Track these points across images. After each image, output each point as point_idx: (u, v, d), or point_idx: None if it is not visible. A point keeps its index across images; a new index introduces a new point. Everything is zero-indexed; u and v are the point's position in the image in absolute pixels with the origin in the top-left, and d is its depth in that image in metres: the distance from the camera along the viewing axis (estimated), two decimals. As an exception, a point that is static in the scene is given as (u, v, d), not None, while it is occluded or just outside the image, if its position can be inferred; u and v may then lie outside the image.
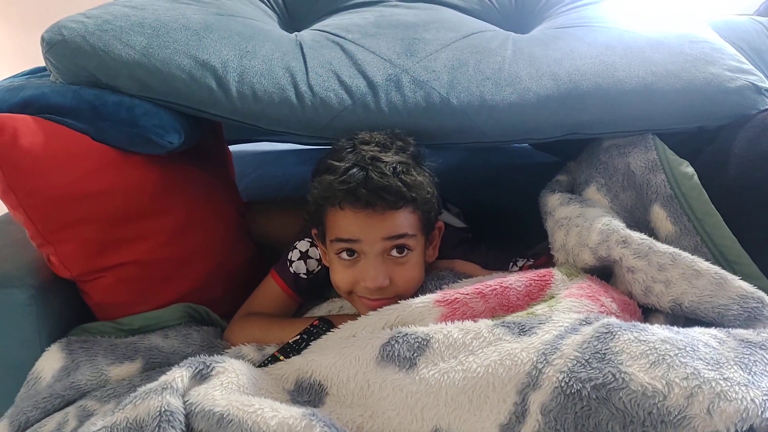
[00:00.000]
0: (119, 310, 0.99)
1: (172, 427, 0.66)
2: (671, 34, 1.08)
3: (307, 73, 0.98)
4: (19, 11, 2.58)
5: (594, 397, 0.62)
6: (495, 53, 1.03)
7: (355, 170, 0.89)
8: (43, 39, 0.96)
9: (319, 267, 1.06)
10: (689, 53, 1.04)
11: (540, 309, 0.81)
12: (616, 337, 0.66)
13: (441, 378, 0.71)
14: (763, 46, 1.51)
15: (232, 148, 1.44)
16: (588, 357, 0.64)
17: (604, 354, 0.64)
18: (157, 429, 0.65)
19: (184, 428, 0.67)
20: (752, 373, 0.62)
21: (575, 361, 0.64)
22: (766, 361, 0.63)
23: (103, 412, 0.80)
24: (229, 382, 0.74)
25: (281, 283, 1.06)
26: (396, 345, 0.75)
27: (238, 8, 1.10)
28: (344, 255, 0.93)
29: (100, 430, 0.67)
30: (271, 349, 0.94)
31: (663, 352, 0.63)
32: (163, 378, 0.72)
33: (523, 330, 0.73)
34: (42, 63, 1.02)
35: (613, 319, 0.72)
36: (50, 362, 0.90)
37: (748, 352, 0.64)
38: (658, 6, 1.21)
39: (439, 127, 0.99)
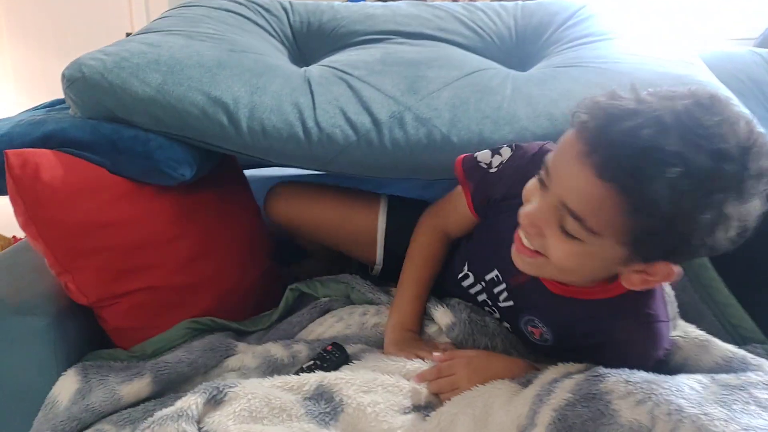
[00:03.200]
0: (134, 334, 1.03)
1: (187, 454, 0.69)
2: (668, 74, 1.09)
3: (314, 109, 1.02)
4: (36, 35, 2.65)
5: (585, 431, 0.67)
6: (495, 92, 1.06)
7: None
8: (63, 76, 1.00)
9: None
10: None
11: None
12: (606, 379, 0.72)
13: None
14: (762, 78, 1.54)
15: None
16: (579, 397, 0.70)
17: (594, 394, 0.70)
18: (173, 457, 0.69)
19: (199, 456, 0.71)
20: (732, 410, 0.67)
21: (567, 402, 0.70)
22: (744, 400, 0.69)
23: (120, 438, 0.83)
24: (242, 409, 0.77)
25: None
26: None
27: (251, 44, 1.14)
28: None
29: (118, 456, 0.71)
30: (298, 346, 0.97)
31: (649, 391, 0.68)
32: (178, 404, 0.75)
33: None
34: (58, 91, 1.05)
35: (601, 368, 0.77)
36: (66, 385, 0.94)
37: (728, 393, 0.70)
38: (655, 40, 1.22)
39: (439, 163, 1.02)
